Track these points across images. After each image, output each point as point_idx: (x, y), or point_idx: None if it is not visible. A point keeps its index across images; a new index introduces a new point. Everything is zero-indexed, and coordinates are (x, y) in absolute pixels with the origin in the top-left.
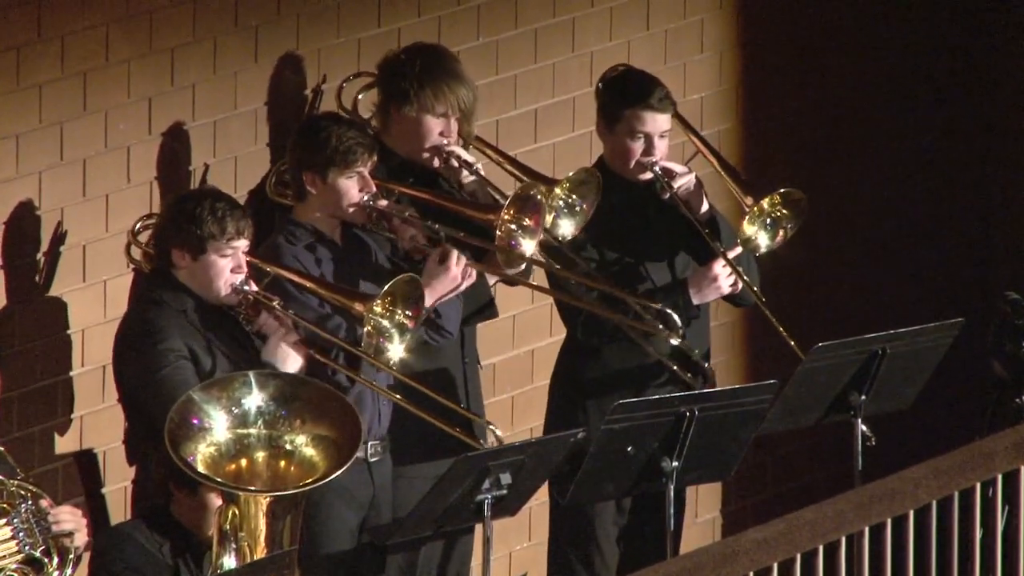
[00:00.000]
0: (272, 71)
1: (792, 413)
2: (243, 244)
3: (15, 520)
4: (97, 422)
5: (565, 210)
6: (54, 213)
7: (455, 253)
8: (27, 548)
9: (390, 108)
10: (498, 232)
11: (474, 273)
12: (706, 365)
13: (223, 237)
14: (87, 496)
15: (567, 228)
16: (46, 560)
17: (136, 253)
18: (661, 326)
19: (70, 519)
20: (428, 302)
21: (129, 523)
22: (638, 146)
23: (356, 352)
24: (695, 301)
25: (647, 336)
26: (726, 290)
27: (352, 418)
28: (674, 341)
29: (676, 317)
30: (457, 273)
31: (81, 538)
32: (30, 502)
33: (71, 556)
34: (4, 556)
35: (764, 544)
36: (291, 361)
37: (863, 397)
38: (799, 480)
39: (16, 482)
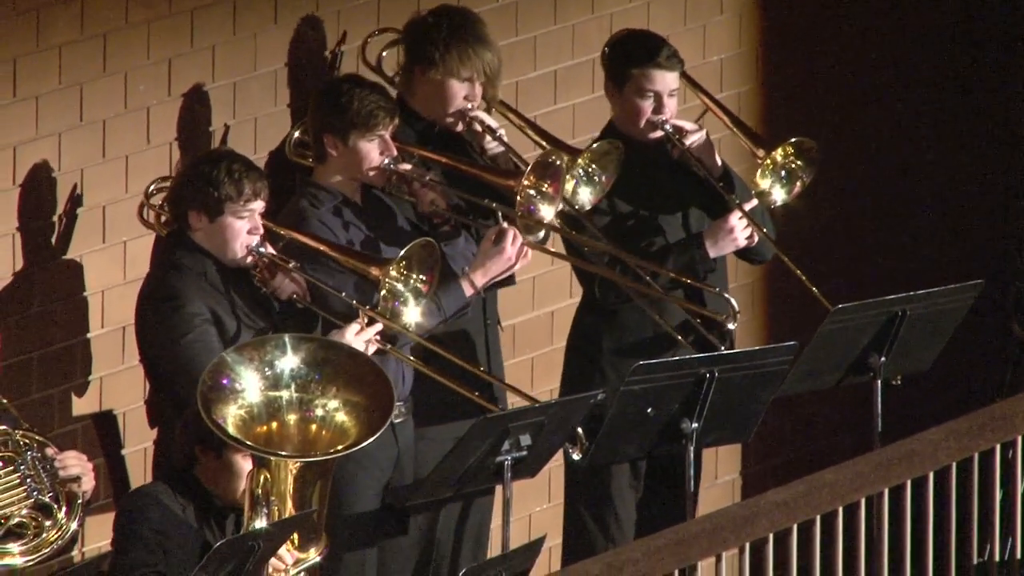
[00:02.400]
0: (292, 32)
1: (812, 375)
2: (259, 206)
3: (22, 467)
4: (116, 383)
5: (584, 179)
6: (73, 174)
7: (511, 233)
8: (35, 494)
9: (415, 71)
10: (518, 198)
11: (530, 253)
12: (730, 326)
13: (240, 199)
14: (106, 457)
15: (585, 197)
16: (55, 506)
17: (150, 216)
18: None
19: (76, 464)
20: (480, 282)
21: (153, 485)
22: (647, 105)
23: (373, 316)
24: (711, 254)
25: (658, 304)
26: (742, 242)
27: (385, 386)
28: (730, 325)
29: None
30: (512, 253)
31: (88, 482)
32: (36, 450)
33: (79, 501)
34: (13, 502)
35: (784, 506)
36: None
37: (883, 359)
38: (819, 442)
39: (21, 432)
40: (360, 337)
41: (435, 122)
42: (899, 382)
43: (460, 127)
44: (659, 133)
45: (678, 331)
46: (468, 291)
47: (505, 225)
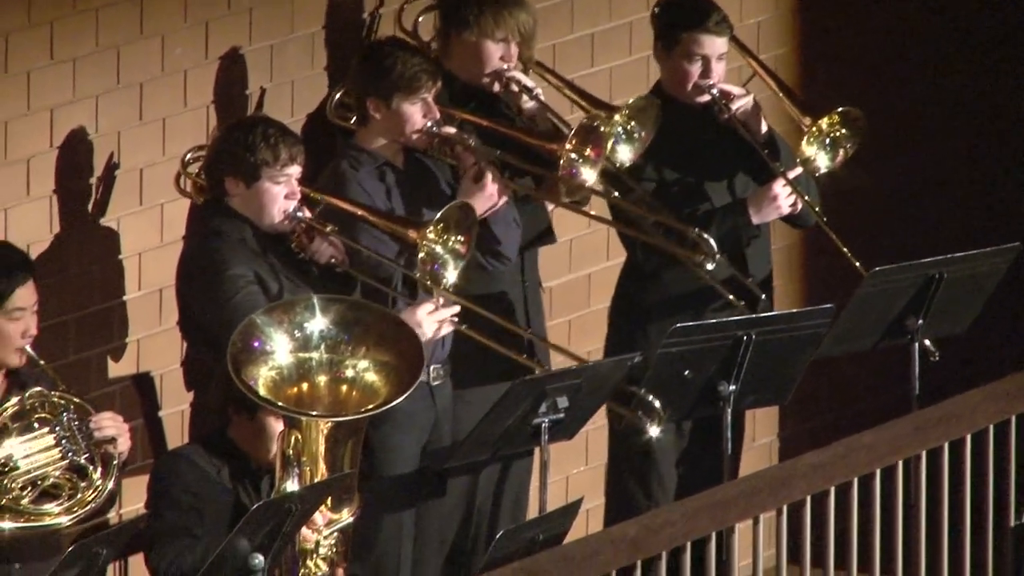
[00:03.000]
0: None
1: (849, 337)
2: (296, 170)
3: (57, 428)
4: (153, 345)
5: (624, 136)
6: (110, 137)
7: (490, 172)
8: (71, 455)
9: (450, 33)
10: (560, 161)
11: (508, 190)
12: (763, 296)
13: (277, 164)
14: (144, 419)
15: (624, 154)
16: (90, 467)
17: (187, 184)
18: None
19: (112, 425)
20: None
21: (187, 446)
22: (695, 69)
23: (411, 276)
24: (755, 221)
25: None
26: (786, 210)
27: (414, 345)
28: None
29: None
30: (493, 191)
31: (124, 443)
32: (71, 411)
33: (115, 462)
34: (48, 463)
35: (821, 468)
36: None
37: (920, 321)
38: (856, 404)
39: (57, 393)
40: (433, 316)
41: (471, 84)
42: (936, 357)
43: (497, 88)
44: (706, 97)
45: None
46: None
47: (484, 164)
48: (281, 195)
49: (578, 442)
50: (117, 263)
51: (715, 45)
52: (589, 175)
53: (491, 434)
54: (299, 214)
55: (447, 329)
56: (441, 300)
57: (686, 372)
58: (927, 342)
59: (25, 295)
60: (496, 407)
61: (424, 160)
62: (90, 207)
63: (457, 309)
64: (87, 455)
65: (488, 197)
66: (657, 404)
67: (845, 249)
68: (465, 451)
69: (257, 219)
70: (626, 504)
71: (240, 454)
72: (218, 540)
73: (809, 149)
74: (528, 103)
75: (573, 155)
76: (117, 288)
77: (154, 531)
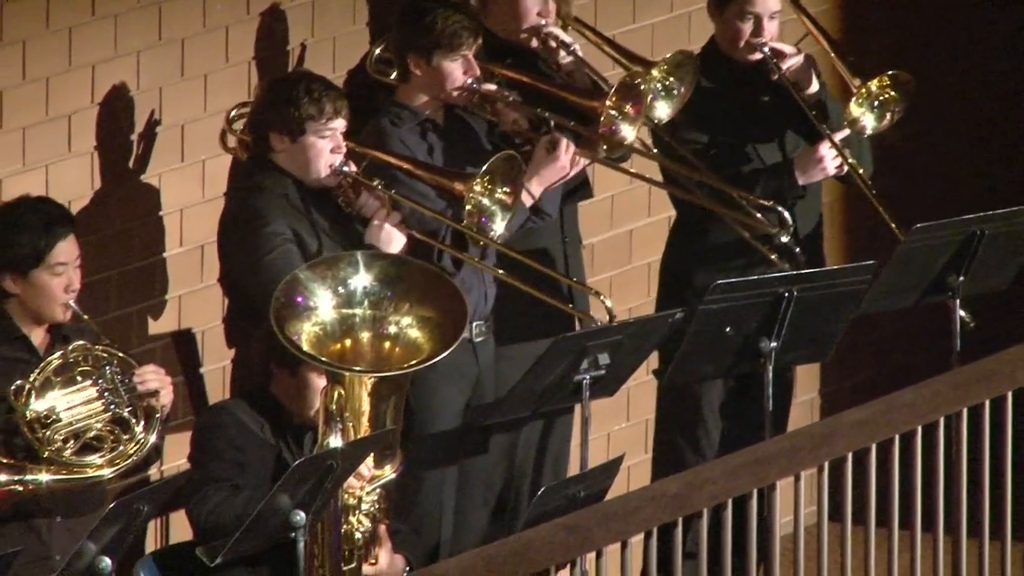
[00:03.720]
0: None
1: (890, 294)
2: (341, 124)
3: (100, 381)
4: (195, 302)
5: (662, 92)
6: (151, 93)
7: (564, 141)
8: (113, 408)
9: None
10: (601, 118)
11: (582, 161)
12: (797, 250)
13: (321, 117)
14: (185, 376)
15: (663, 111)
16: (132, 420)
17: (231, 141)
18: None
19: (154, 378)
20: (536, 190)
21: (230, 401)
22: (747, 27)
23: (459, 228)
24: (800, 182)
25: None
26: (831, 172)
27: (458, 300)
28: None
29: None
30: (566, 162)
31: (166, 396)
32: (114, 365)
33: (157, 415)
34: (91, 416)
35: (862, 425)
36: (394, 242)
37: (961, 278)
38: (897, 361)
39: (101, 347)
40: (391, 221)
41: (509, 40)
42: (972, 326)
43: (535, 43)
44: (758, 56)
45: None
46: (527, 200)
47: (557, 134)
48: (326, 149)
49: (619, 399)
50: (158, 219)
51: (767, 3)
52: (629, 132)
53: (533, 391)
54: (345, 168)
55: (401, 241)
56: (384, 207)
57: (727, 329)
58: (962, 312)
59: (66, 250)
60: (538, 363)
61: (465, 116)
62: (131, 163)
63: (395, 213)
64: (129, 408)
65: (560, 167)
66: (780, 209)
67: (885, 213)
68: (507, 407)
69: (302, 174)
70: (674, 459)
71: (282, 410)
72: (260, 495)
73: (857, 110)
74: (566, 59)
75: (614, 112)
76: (158, 244)
77: (195, 481)
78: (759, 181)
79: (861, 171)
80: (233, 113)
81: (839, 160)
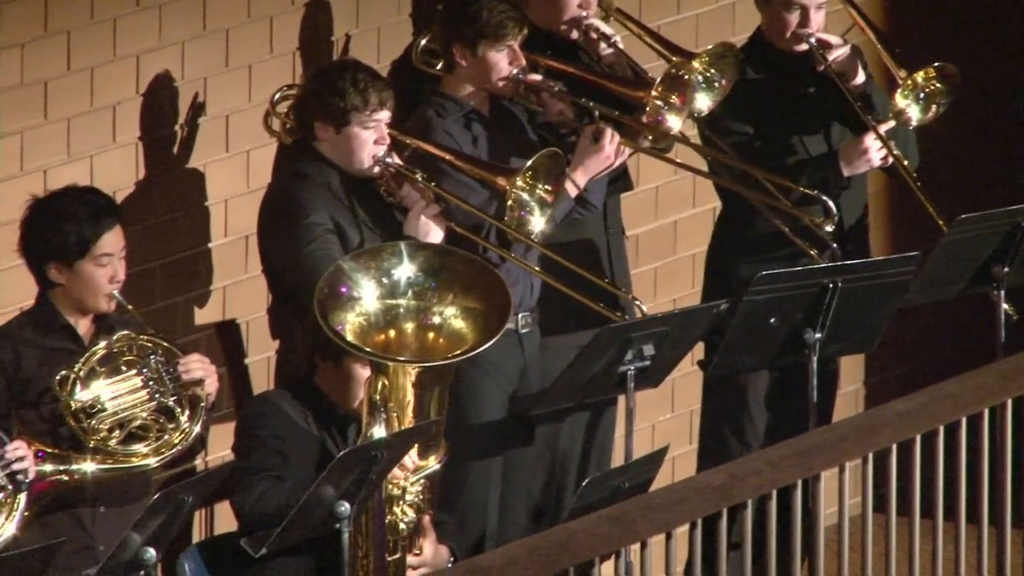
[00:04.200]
0: None
1: (935, 285)
2: (385, 115)
3: (144, 371)
4: (240, 292)
5: (703, 84)
6: (196, 84)
7: (609, 131)
8: (158, 397)
9: None
10: (647, 109)
11: (627, 151)
12: (834, 245)
13: (366, 109)
14: (229, 366)
15: (703, 103)
16: (177, 409)
17: (275, 124)
18: (821, 219)
19: (199, 367)
20: (581, 181)
21: (275, 391)
22: (794, 18)
23: (499, 225)
24: (845, 173)
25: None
26: (876, 163)
27: (501, 290)
28: (828, 228)
29: (831, 205)
30: (611, 152)
31: (211, 385)
32: (159, 354)
33: (202, 404)
34: (135, 405)
35: (907, 416)
36: (432, 234)
37: (1006, 269)
38: (941, 352)
39: (145, 336)
40: (429, 213)
41: (549, 31)
42: (1016, 318)
43: (575, 35)
44: (804, 46)
45: (815, 239)
46: (572, 191)
47: (602, 124)
48: (370, 140)
49: (664, 390)
50: (203, 210)
51: None
52: (675, 122)
53: (577, 381)
54: (388, 159)
55: (439, 233)
56: (424, 199)
57: (771, 320)
58: (1005, 306)
59: (112, 241)
60: (582, 354)
61: (510, 108)
62: (175, 154)
63: (434, 204)
64: (174, 397)
65: (605, 158)
66: (825, 199)
67: (929, 204)
68: (551, 398)
69: (346, 164)
70: (720, 450)
71: (326, 401)
72: (304, 486)
73: (902, 101)
74: (606, 51)
75: (659, 102)
76: (203, 235)
77: (239, 472)
78: (804, 172)
79: (906, 163)
80: (277, 96)
81: (884, 151)
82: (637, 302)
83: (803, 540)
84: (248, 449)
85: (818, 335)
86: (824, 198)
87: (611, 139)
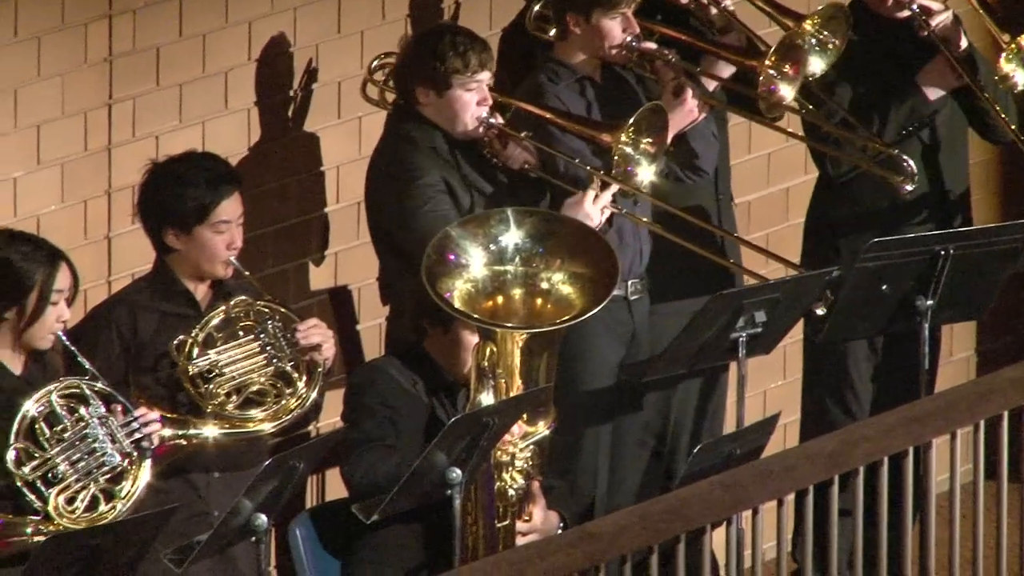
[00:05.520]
0: None
1: None
2: (486, 76)
3: (262, 336)
4: (352, 258)
5: (816, 47)
6: (308, 50)
7: (689, 87)
8: (275, 362)
9: None
10: (759, 78)
11: (708, 107)
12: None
13: (467, 71)
14: (341, 332)
15: (816, 65)
16: (294, 374)
17: (373, 92)
18: (901, 178)
19: (317, 332)
20: (667, 136)
21: (384, 359)
22: None
23: (607, 179)
24: (932, 98)
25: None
26: (954, 84)
27: (609, 256)
28: (908, 187)
29: (911, 164)
30: (693, 105)
31: (329, 350)
32: (276, 319)
33: (319, 370)
34: (253, 370)
35: (1018, 383)
36: (593, 219)
37: None
38: None
39: (263, 302)
40: (597, 204)
41: None
42: None
43: (685, 0)
44: (906, 12)
45: (913, 207)
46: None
47: (683, 78)
48: (473, 102)
49: (775, 356)
50: (315, 176)
51: None
52: (788, 92)
53: (688, 348)
54: (492, 120)
55: (608, 214)
56: (599, 185)
57: (883, 287)
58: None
59: (230, 207)
60: (694, 321)
61: (623, 74)
62: (288, 120)
63: (614, 189)
64: (292, 363)
65: (688, 112)
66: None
67: None
68: (663, 365)
69: (449, 127)
70: (822, 419)
71: (435, 368)
72: (413, 453)
73: (1007, 66)
74: (717, 15)
75: (772, 71)
76: (315, 201)
77: (349, 439)
78: (890, 120)
79: (1014, 127)
80: (375, 64)
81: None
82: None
83: (914, 507)
84: (357, 418)
85: (930, 302)
86: (904, 158)
87: (693, 94)
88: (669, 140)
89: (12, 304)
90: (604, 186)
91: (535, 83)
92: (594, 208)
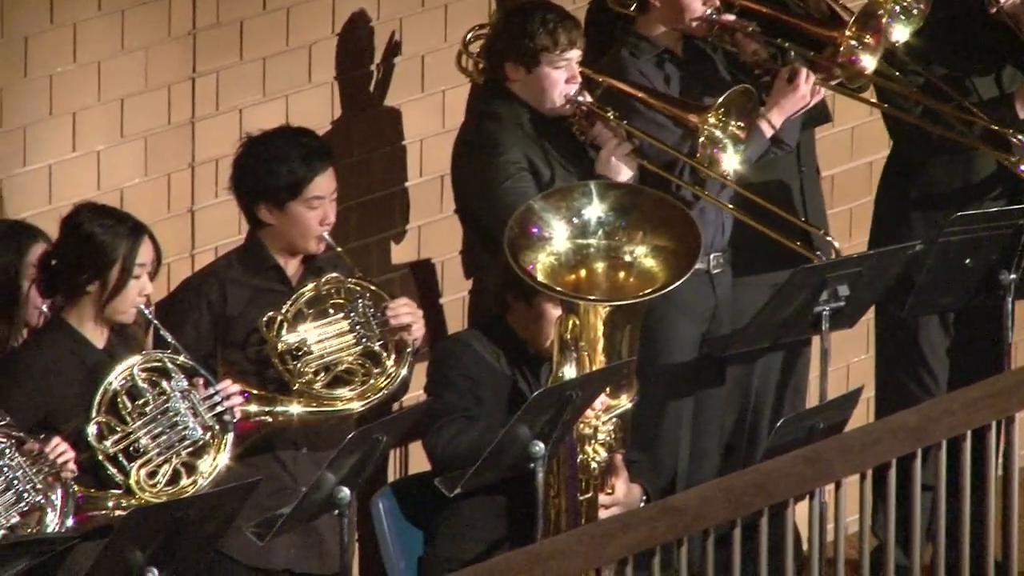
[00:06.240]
0: None
1: None
2: (576, 54)
3: (352, 314)
4: (435, 232)
5: (901, 15)
6: (391, 23)
7: (804, 71)
8: (364, 341)
9: None
10: (840, 48)
11: (822, 91)
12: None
13: (556, 49)
14: (424, 306)
15: (901, 32)
16: (383, 353)
17: (467, 64)
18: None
19: (407, 312)
20: (777, 121)
21: (467, 332)
22: None
23: (691, 163)
24: (1021, 116)
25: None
26: None
27: (691, 229)
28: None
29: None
30: (806, 91)
31: (418, 330)
32: (367, 298)
33: (408, 350)
34: (342, 349)
35: None
36: (624, 173)
37: None
38: None
39: (354, 280)
40: (620, 152)
41: None
42: None
43: None
44: None
45: (986, 183)
46: (767, 131)
47: (797, 64)
48: (561, 80)
49: (859, 330)
50: (398, 149)
51: None
52: (869, 62)
53: (771, 322)
54: (580, 98)
55: (630, 172)
56: (616, 138)
57: (967, 260)
58: None
59: (324, 183)
60: (777, 295)
61: (703, 47)
62: (371, 93)
63: (626, 143)
64: (381, 342)
65: (800, 97)
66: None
67: None
68: (745, 339)
69: (538, 103)
70: (898, 395)
71: (518, 341)
72: (496, 425)
73: None
74: None
75: (853, 42)
76: (398, 174)
77: (432, 413)
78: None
79: None
80: (470, 36)
81: None
82: (830, 239)
83: (997, 481)
84: (441, 390)
85: (1013, 276)
86: (1013, 136)
87: (806, 78)
88: (779, 125)
89: (95, 278)
90: (629, 137)
91: (616, 57)
92: (615, 161)
